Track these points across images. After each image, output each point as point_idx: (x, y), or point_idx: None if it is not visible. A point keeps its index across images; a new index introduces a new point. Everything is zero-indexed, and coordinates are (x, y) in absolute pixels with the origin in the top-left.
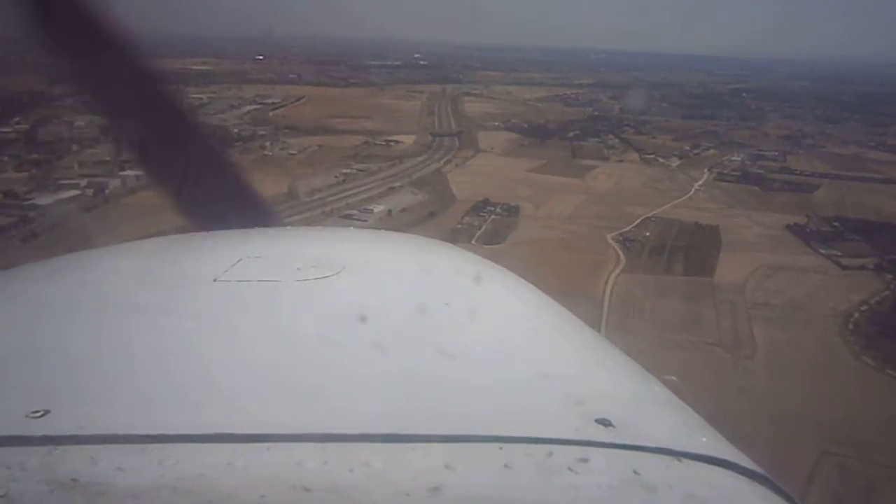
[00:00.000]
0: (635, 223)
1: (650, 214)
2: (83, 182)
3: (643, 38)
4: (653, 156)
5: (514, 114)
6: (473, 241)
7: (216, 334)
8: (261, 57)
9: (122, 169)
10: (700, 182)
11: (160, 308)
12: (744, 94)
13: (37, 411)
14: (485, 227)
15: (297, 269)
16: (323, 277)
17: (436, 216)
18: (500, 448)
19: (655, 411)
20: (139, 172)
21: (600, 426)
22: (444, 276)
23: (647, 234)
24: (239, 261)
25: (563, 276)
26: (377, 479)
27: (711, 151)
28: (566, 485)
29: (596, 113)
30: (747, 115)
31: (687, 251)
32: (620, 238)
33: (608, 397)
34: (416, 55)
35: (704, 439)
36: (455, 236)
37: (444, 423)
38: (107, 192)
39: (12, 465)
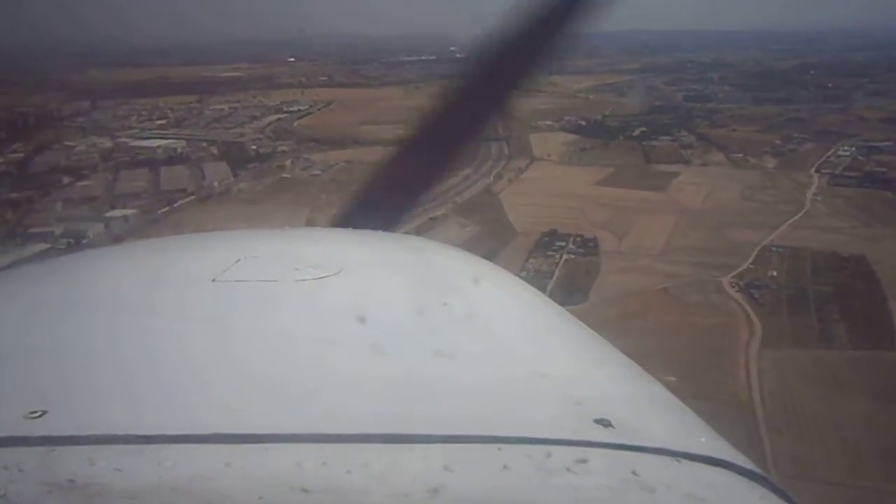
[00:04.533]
0: (752, 257)
1: (767, 242)
2: (59, 229)
3: (683, 16)
4: (741, 155)
5: (566, 109)
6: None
7: (214, 334)
8: (292, 59)
9: (113, 207)
10: (813, 189)
11: (158, 308)
12: (812, 71)
13: (35, 412)
14: (558, 275)
15: (296, 269)
16: (321, 278)
17: (492, 259)
18: (499, 449)
19: (654, 412)
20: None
21: (599, 426)
22: (443, 276)
23: (774, 273)
24: (238, 261)
25: (681, 363)
26: (376, 480)
27: (808, 145)
28: (565, 485)
29: (657, 103)
30: (828, 95)
31: (840, 300)
32: (741, 283)
33: (607, 398)
34: (452, 48)
35: (703, 440)
36: None
37: (442, 423)
38: (85, 241)
39: (10, 465)
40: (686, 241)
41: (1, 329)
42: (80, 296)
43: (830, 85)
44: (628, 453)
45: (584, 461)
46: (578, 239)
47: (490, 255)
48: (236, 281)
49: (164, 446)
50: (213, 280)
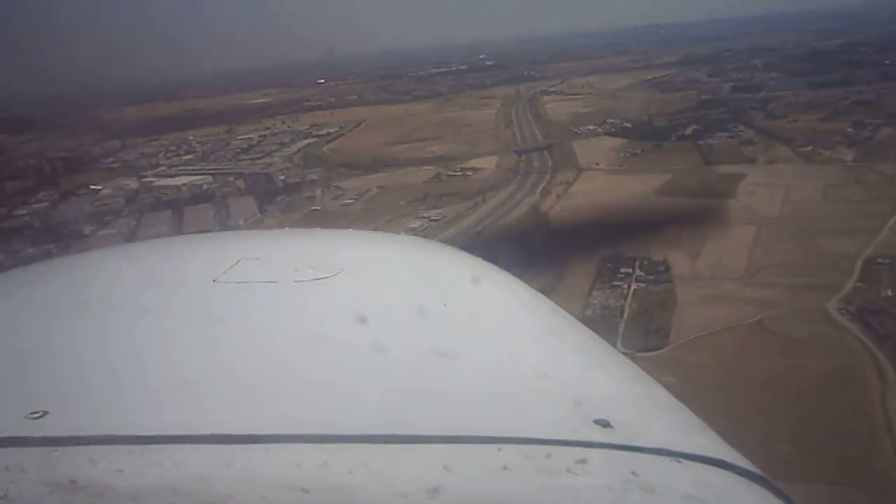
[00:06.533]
0: (856, 273)
1: (869, 252)
2: None
3: (710, 6)
4: (810, 147)
5: (607, 110)
6: (618, 346)
7: (215, 335)
8: (322, 80)
9: None
10: None
11: (160, 309)
12: (862, 49)
13: (36, 412)
14: (629, 311)
15: (296, 270)
16: (321, 279)
17: (550, 294)
18: (499, 449)
19: (653, 412)
20: None
21: (599, 427)
22: (443, 277)
23: (889, 293)
24: (238, 262)
25: (807, 434)
26: (376, 480)
27: (885, 131)
28: (565, 486)
29: (704, 97)
30: (889, 74)
31: None
32: (850, 308)
33: (607, 398)
34: (480, 56)
35: (702, 440)
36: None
37: (442, 424)
38: None
39: (11, 466)
40: (772, 256)
41: (2, 329)
42: (82, 296)
43: (888, 62)
44: (628, 453)
45: (583, 461)
46: (646, 262)
47: (547, 288)
48: (237, 282)
49: (165, 446)
50: (214, 281)
